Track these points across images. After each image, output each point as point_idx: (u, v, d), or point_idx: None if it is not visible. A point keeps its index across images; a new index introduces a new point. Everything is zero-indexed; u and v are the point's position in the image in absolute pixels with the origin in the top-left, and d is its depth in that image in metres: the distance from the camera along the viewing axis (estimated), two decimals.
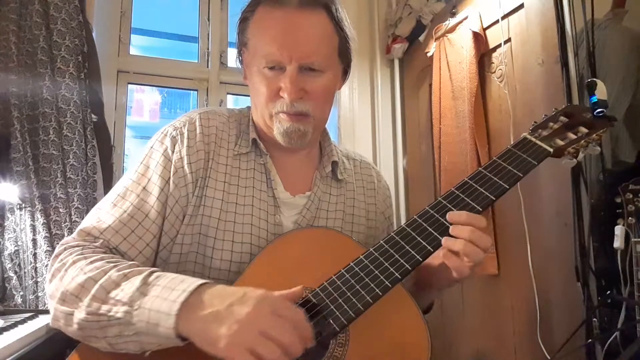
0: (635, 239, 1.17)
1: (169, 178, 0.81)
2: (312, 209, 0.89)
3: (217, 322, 0.60)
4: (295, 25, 0.80)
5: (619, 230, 1.20)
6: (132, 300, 0.64)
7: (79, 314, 0.67)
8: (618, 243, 1.20)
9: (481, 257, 0.72)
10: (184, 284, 0.64)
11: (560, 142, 0.82)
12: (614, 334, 1.19)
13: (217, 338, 0.59)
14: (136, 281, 0.66)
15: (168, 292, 0.63)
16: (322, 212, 0.91)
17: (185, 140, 0.84)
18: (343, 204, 0.94)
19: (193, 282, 0.64)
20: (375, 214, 0.99)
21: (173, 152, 0.83)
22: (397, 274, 0.71)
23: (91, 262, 0.71)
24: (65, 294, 0.69)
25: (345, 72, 0.92)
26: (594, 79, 0.86)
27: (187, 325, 0.61)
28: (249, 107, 0.95)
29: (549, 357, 1.34)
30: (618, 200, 1.22)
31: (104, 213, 0.80)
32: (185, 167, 0.82)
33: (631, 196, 1.20)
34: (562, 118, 0.86)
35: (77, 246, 0.76)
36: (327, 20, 0.83)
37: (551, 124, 0.85)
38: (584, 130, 0.83)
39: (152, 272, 0.68)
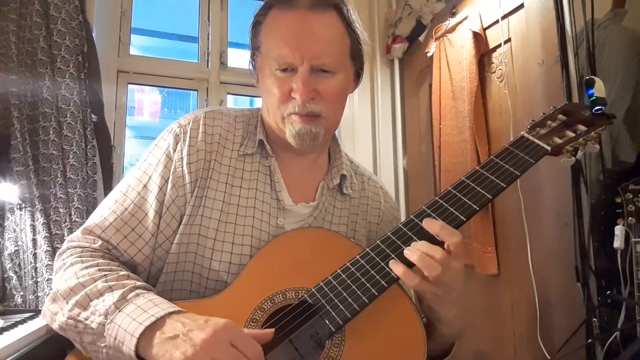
0: (635, 239, 1.17)
1: (169, 177, 0.81)
2: (319, 218, 0.88)
3: (174, 346, 0.60)
4: (307, 26, 0.79)
5: (619, 230, 1.20)
6: (107, 313, 0.66)
7: (62, 316, 0.69)
8: (618, 243, 1.20)
9: (437, 272, 0.68)
10: (155, 309, 0.65)
11: (559, 140, 0.82)
12: (614, 334, 1.19)
13: None
14: (116, 295, 0.67)
15: (139, 312, 0.64)
16: (326, 224, 0.90)
17: (188, 140, 0.83)
18: (347, 218, 0.93)
19: (165, 308, 0.65)
20: (377, 234, 0.96)
21: (175, 150, 0.83)
22: (393, 274, 0.71)
23: (85, 267, 0.72)
24: (56, 294, 0.71)
25: (358, 75, 0.91)
26: (592, 77, 0.86)
27: (147, 348, 0.62)
28: (259, 109, 0.93)
29: (549, 357, 1.33)
30: (618, 200, 1.22)
31: (107, 210, 0.80)
32: (185, 167, 0.81)
33: (631, 196, 1.20)
34: (560, 116, 0.85)
35: (78, 247, 0.77)
36: (338, 21, 0.82)
37: (549, 122, 0.85)
38: (582, 128, 0.83)
39: (133, 288, 0.69)
